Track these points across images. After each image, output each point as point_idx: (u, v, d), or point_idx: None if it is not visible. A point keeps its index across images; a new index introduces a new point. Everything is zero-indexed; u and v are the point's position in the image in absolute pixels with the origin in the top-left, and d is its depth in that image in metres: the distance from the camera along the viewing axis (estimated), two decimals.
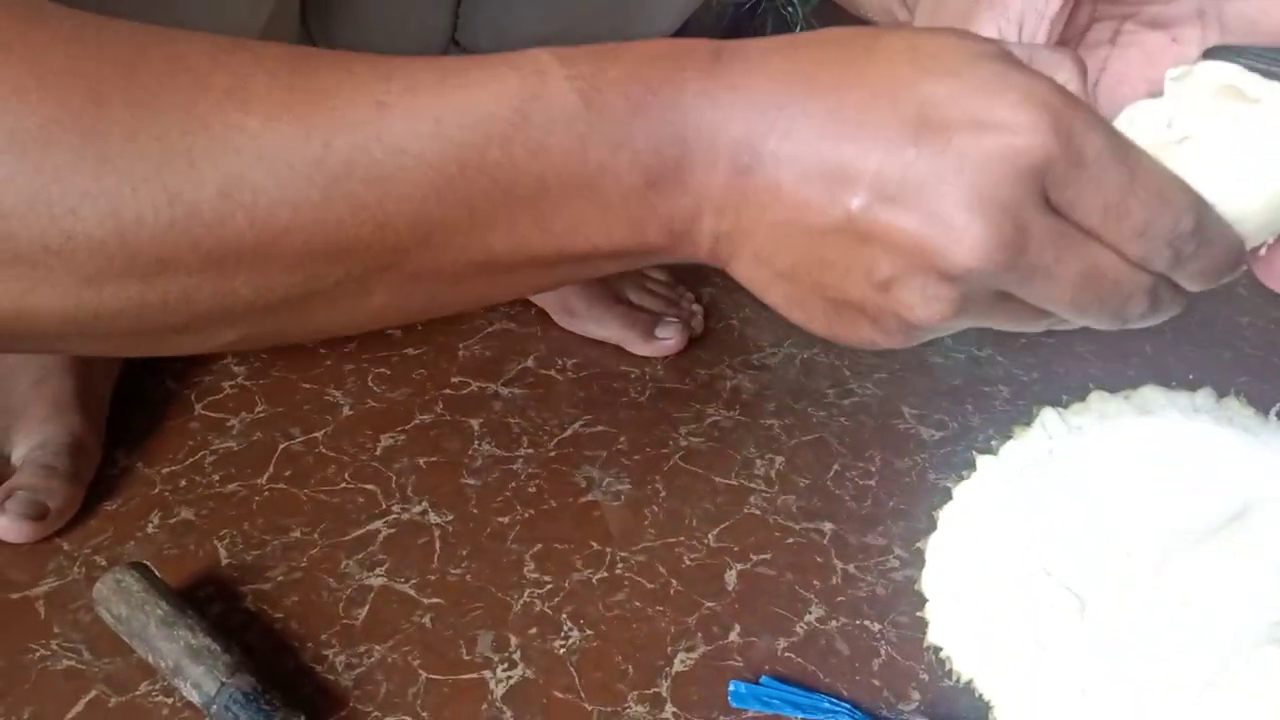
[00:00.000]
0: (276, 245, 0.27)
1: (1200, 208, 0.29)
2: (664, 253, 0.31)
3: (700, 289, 0.75)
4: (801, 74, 0.28)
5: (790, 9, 1.24)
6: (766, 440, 0.61)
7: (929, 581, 0.41)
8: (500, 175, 0.28)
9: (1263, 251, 0.33)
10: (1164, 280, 0.29)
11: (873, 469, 0.60)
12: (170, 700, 0.42)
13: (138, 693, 0.42)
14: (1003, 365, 0.71)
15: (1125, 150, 0.28)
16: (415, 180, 0.28)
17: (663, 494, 0.56)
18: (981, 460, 0.42)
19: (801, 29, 1.22)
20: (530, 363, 0.66)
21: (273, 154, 0.26)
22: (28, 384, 0.53)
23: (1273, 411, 0.41)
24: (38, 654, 0.44)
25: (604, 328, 0.68)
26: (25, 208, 0.25)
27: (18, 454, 0.51)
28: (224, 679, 0.40)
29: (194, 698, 0.41)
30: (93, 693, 0.42)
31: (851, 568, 0.53)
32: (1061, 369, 0.71)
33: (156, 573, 0.45)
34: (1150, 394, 0.42)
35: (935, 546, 0.42)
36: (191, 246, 0.26)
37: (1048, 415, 0.42)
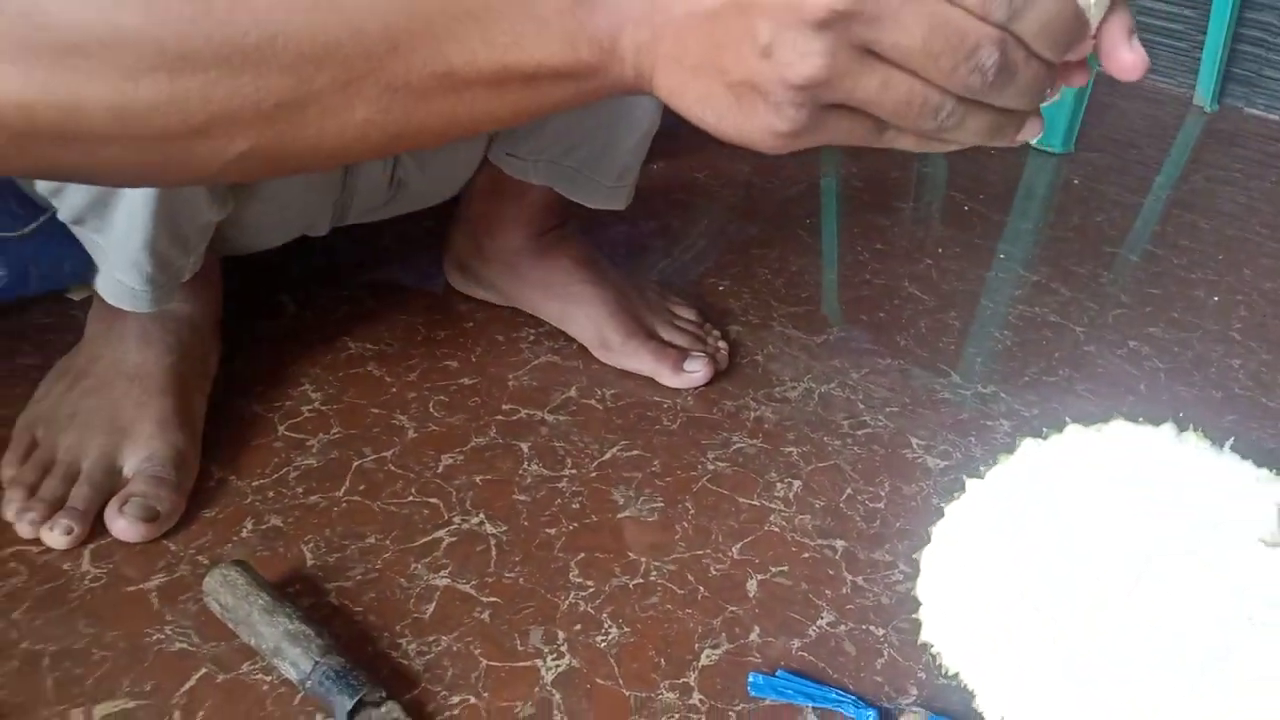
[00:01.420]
0: (272, 45, 0.33)
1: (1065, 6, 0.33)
2: (598, 73, 0.36)
3: (727, 327, 0.82)
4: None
5: None
6: (786, 466, 0.68)
7: (923, 588, 0.48)
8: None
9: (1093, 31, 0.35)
10: (1012, 38, 0.33)
11: (882, 493, 0.66)
12: (269, 678, 0.49)
13: (240, 671, 0.49)
14: (1005, 402, 0.77)
15: None
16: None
17: (691, 511, 0.63)
18: (971, 483, 0.48)
19: None
20: (573, 393, 0.73)
21: None
22: (133, 405, 0.61)
23: (1227, 444, 0.47)
24: (154, 638, 0.51)
25: (638, 361, 0.75)
26: (80, 5, 0.32)
27: (129, 467, 0.59)
28: (317, 659, 0.47)
29: (291, 675, 0.48)
30: (202, 671, 0.49)
31: (860, 580, 0.59)
32: (1060, 405, 0.77)
33: (255, 569, 0.52)
34: (1119, 427, 0.48)
35: (929, 558, 0.48)
36: (206, 41, 0.33)
37: (1028, 444, 0.48)
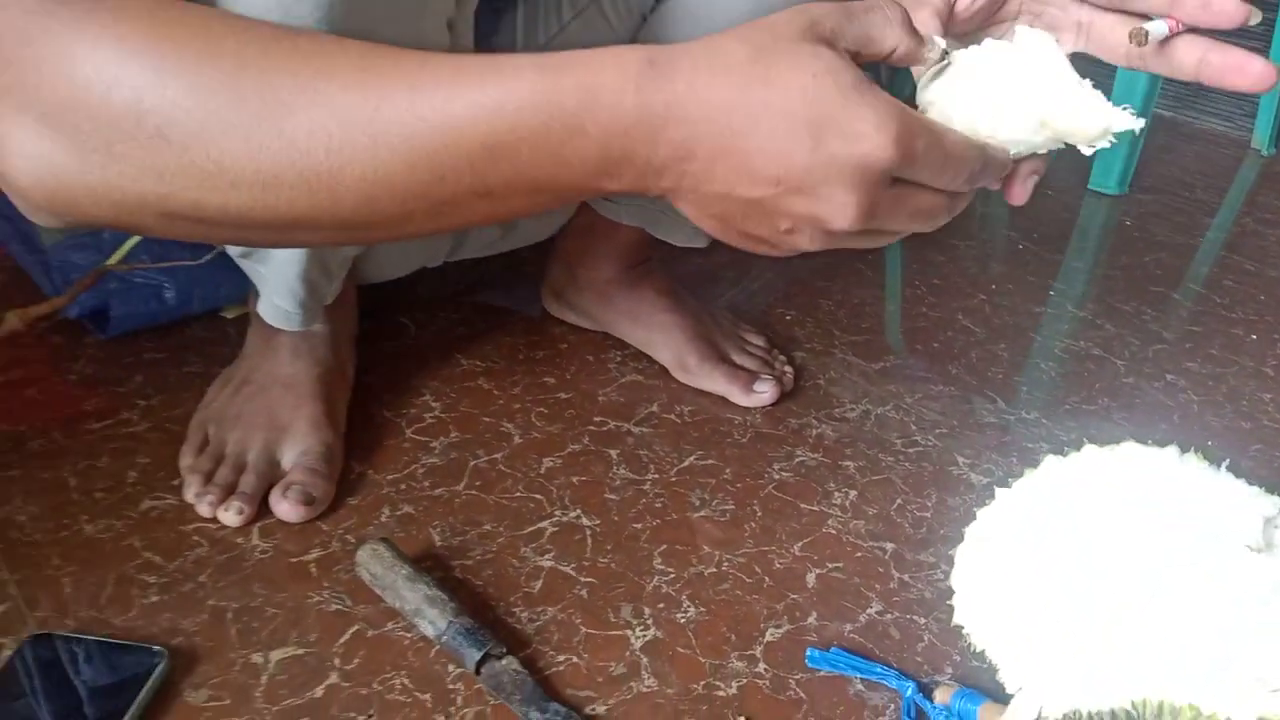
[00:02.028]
0: (343, 173, 0.42)
1: (984, 155, 0.44)
2: (624, 194, 0.44)
3: (792, 353, 0.91)
4: (723, 103, 0.40)
5: None
6: (843, 478, 0.77)
7: (956, 578, 0.56)
8: (494, 144, 0.41)
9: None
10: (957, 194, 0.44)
11: (929, 504, 0.75)
12: (410, 635, 0.60)
13: (386, 629, 0.60)
14: (1046, 427, 0.85)
15: (938, 138, 0.42)
16: (431, 140, 0.41)
17: (759, 514, 0.72)
18: (1000, 491, 0.57)
19: None
20: (654, 408, 0.83)
21: (343, 111, 0.41)
22: (288, 408, 0.72)
23: (1223, 465, 0.55)
24: (314, 600, 0.62)
25: (713, 382, 0.85)
26: (195, 134, 0.41)
27: (287, 460, 0.70)
28: (451, 619, 0.58)
29: (429, 632, 0.58)
30: (355, 627, 0.60)
31: (906, 577, 0.68)
32: (1096, 432, 0.84)
33: (397, 546, 0.63)
34: (1129, 448, 0.56)
35: (962, 553, 0.56)
36: (290, 166, 0.42)
37: (1050, 460, 0.56)
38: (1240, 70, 0.47)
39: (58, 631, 0.57)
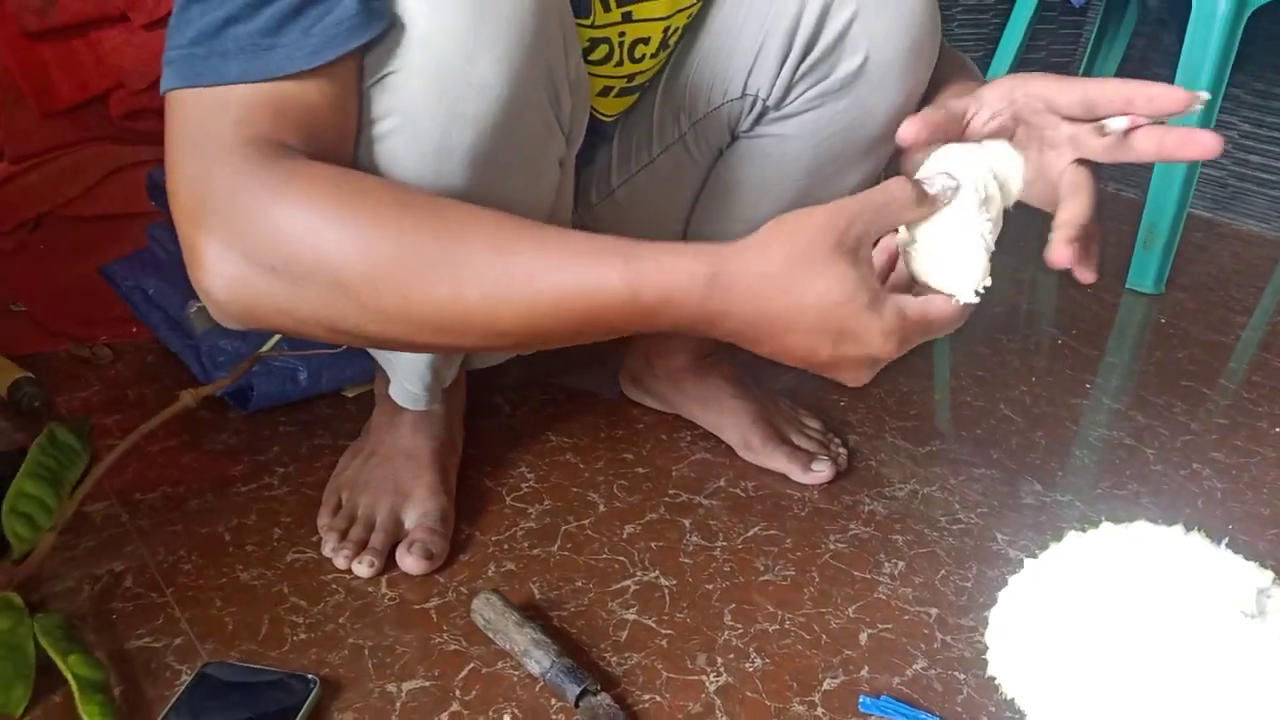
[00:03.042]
0: (470, 321, 0.55)
1: (960, 312, 0.58)
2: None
3: (846, 436, 1.01)
4: (766, 309, 0.55)
5: None
6: (892, 550, 0.86)
7: (990, 636, 0.65)
8: (591, 316, 0.55)
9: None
10: None
11: (970, 575, 0.83)
12: (518, 673, 0.70)
13: (498, 667, 0.70)
14: (1079, 509, 0.93)
15: (927, 321, 0.57)
16: (543, 307, 0.55)
17: (816, 579, 0.82)
18: (1028, 561, 0.66)
19: None
20: (722, 482, 0.93)
21: (478, 277, 0.54)
22: (410, 477, 0.84)
23: (1223, 542, 0.63)
24: (436, 640, 0.72)
25: (774, 461, 0.95)
26: (363, 284, 0.54)
27: (409, 521, 0.81)
28: (554, 659, 0.68)
29: (535, 670, 0.68)
30: (472, 665, 0.70)
31: (948, 638, 0.76)
32: (1125, 513, 0.92)
33: (506, 597, 0.73)
34: (1141, 526, 0.65)
35: (995, 614, 0.65)
36: (433, 313, 0.55)
37: (1071, 535, 0.65)
38: (1191, 142, 0.60)
39: (226, 661, 0.68)
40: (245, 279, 0.56)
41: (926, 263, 0.59)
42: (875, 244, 0.58)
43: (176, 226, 0.58)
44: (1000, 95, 0.66)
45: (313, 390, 0.99)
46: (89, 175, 1.21)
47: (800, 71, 0.77)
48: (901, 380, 1.14)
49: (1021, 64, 1.78)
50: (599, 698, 0.67)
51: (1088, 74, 1.88)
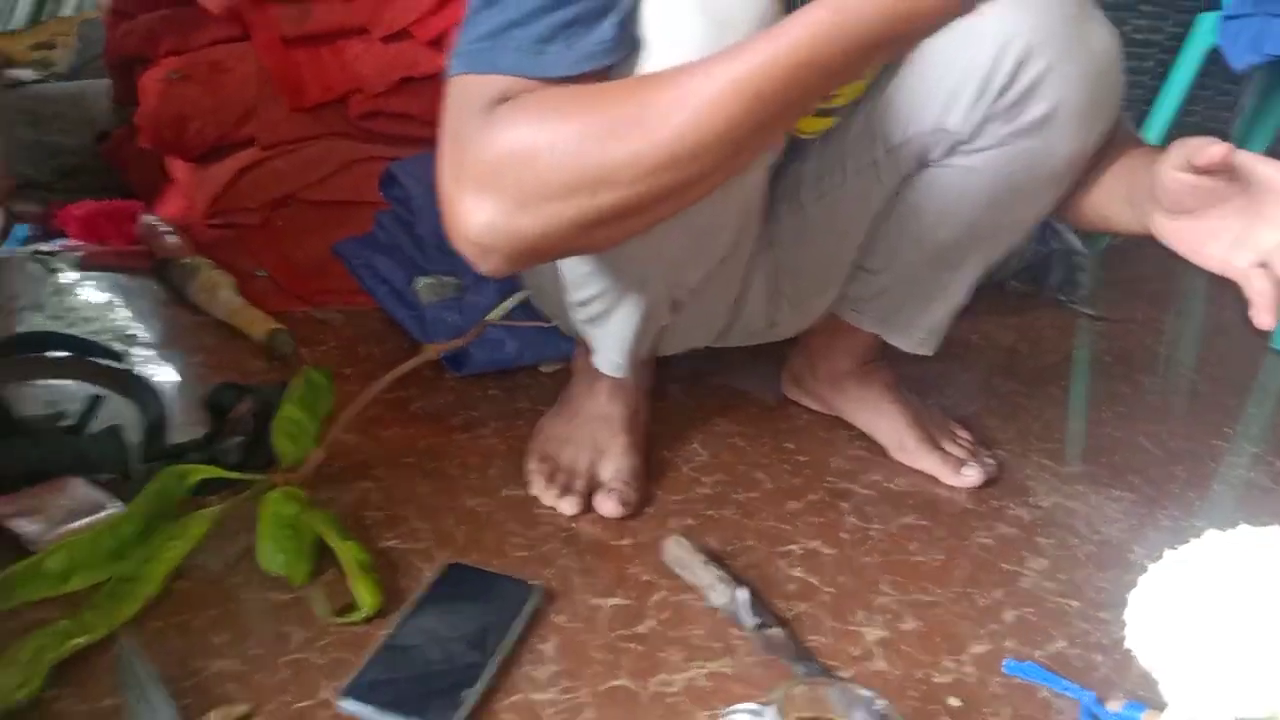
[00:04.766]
0: (716, 128, 0.63)
1: None
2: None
3: (994, 450, 1.09)
4: None
5: (1077, 256, 1.58)
6: (1035, 548, 0.94)
7: (1129, 611, 0.73)
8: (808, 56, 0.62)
9: None
10: None
11: (1108, 577, 0.90)
12: (702, 605, 0.80)
13: (684, 598, 0.81)
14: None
15: None
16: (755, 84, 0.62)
17: (965, 565, 0.90)
18: (1167, 553, 0.74)
19: (1087, 278, 1.55)
20: (877, 476, 1.03)
21: (677, 93, 0.63)
22: (607, 436, 0.96)
23: None
24: (631, 570, 0.84)
25: (927, 463, 1.04)
26: (579, 161, 0.63)
27: (605, 474, 0.93)
28: (735, 592, 0.78)
29: (718, 603, 0.79)
30: (662, 593, 0.81)
31: (1087, 626, 0.84)
32: None
33: (690, 544, 0.84)
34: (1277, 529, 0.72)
35: (1133, 598, 0.73)
36: (653, 149, 0.63)
37: (1210, 532, 0.73)
38: None
39: (465, 563, 0.81)
40: (497, 212, 0.66)
41: None
42: None
43: (439, 190, 0.71)
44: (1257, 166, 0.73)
45: (517, 361, 1.13)
46: (327, 165, 1.39)
47: (992, 112, 0.86)
48: (1046, 409, 1.21)
49: (1178, 126, 1.83)
50: (774, 630, 0.77)
51: (1241, 140, 1.91)
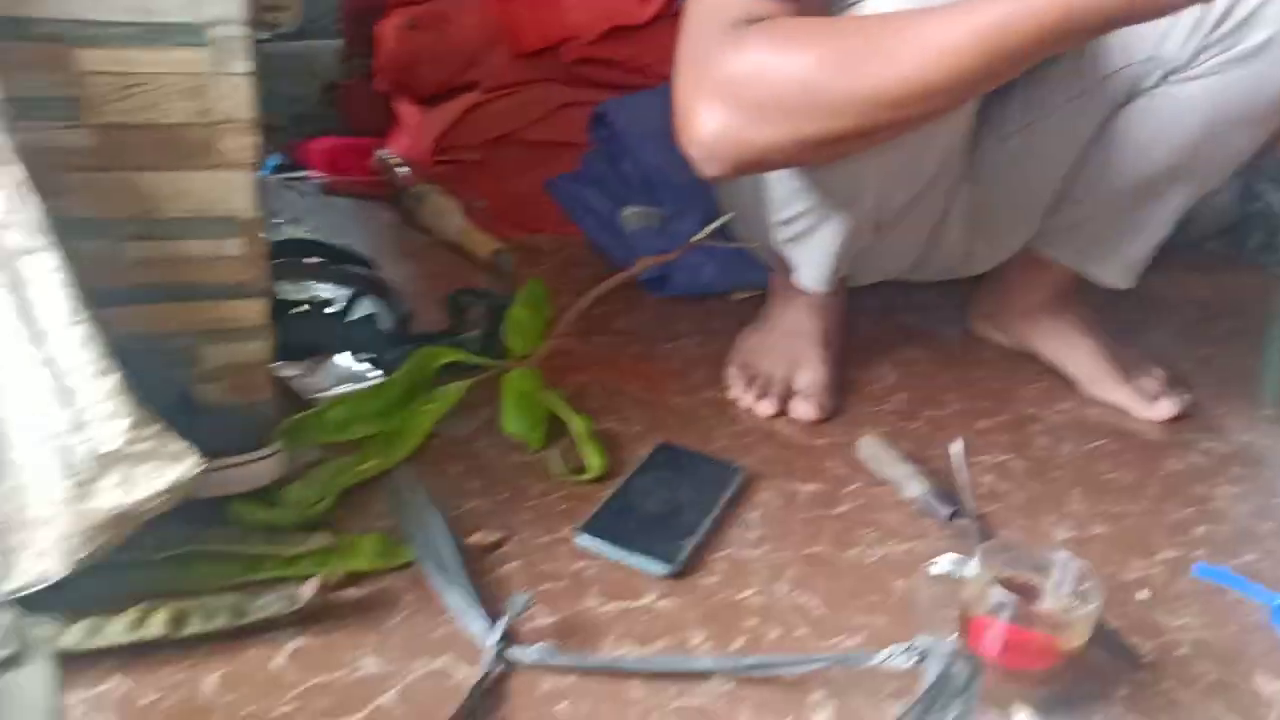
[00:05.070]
0: (928, 73, 0.69)
1: None
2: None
3: (1190, 392, 1.09)
4: None
5: (1278, 218, 1.52)
6: (1228, 478, 0.94)
7: None
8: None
9: None
10: None
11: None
12: (894, 498, 0.86)
13: (878, 490, 0.87)
14: None
15: None
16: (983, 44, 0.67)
17: (1156, 486, 0.92)
18: None
19: None
20: (1067, 405, 1.05)
21: (915, 35, 0.69)
22: (805, 347, 1.02)
23: None
24: (825, 465, 0.90)
25: (1119, 395, 1.05)
26: (814, 87, 0.71)
27: (801, 383, 1.00)
28: (930, 486, 0.83)
29: (913, 493, 0.84)
30: (856, 484, 0.88)
31: (1278, 545, 0.85)
32: None
33: (885, 442, 0.90)
34: None
35: None
36: (884, 83, 0.70)
37: None
38: None
39: (675, 444, 0.90)
40: (721, 119, 0.75)
41: None
42: None
43: (674, 99, 0.79)
44: None
45: (713, 286, 1.21)
46: (542, 107, 1.50)
47: (1209, 40, 0.87)
48: (1241, 360, 1.20)
49: None
50: (965, 520, 0.82)
51: None
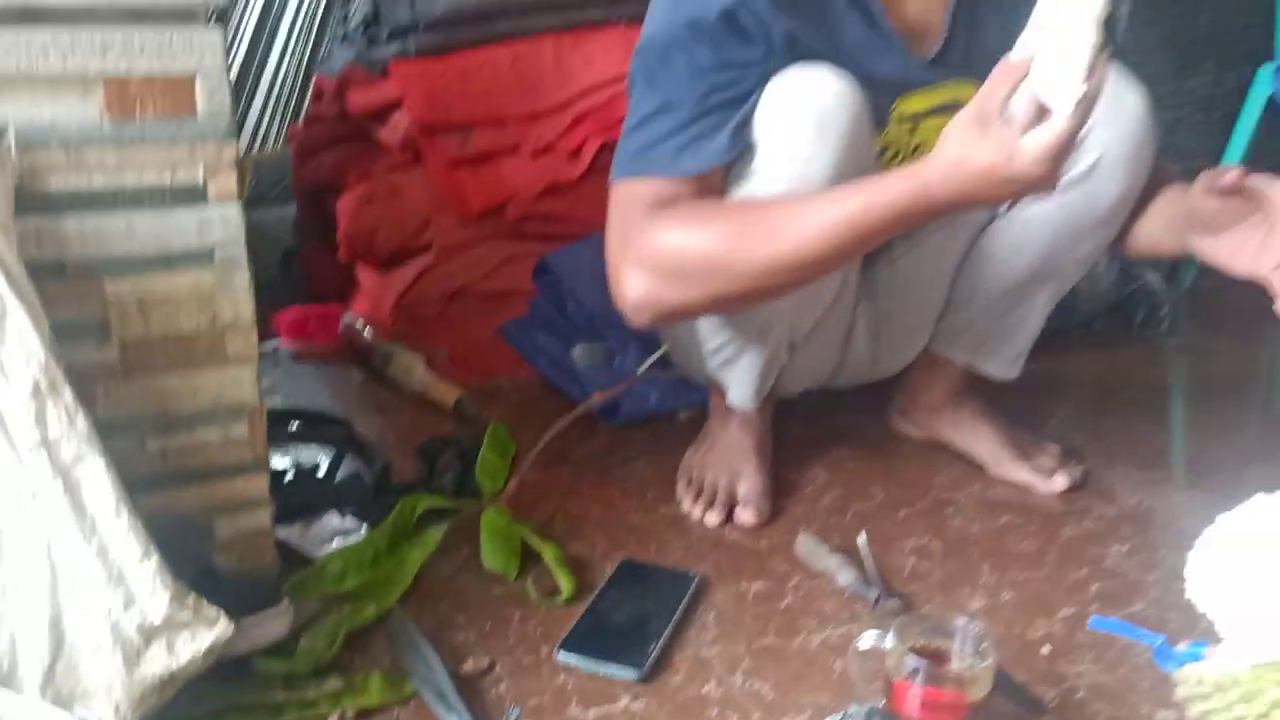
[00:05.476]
0: (808, 250, 0.87)
1: (1069, 126, 0.78)
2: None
3: (1084, 463, 1.24)
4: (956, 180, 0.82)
5: (1156, 295, 1.71)
6: (1118, 538, 1.08)
7: (1188, 569, 0.87)
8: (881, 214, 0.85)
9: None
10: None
11: (1181, 556, 1.04)
12: (829, 585, 0.98)
13: (815, 581, 0.99)
14: None
15: (1055, 141, 0.78)
16: (854, 220, 0.86)
17: (1055, 552, 1.06)
18: (1220, 516, 0.88)
19: (1168, 315, 1.69)
20: (976, 487, 1.19)
21: (798, 221, 0.87)
22: (740, 460, 1.15)
23: None
24: (768, 564, 1.02)
25: (1019, 474, 1.20)
26: (722, 262, 0.90)
27: (741, 490, 1.13)
28: (858, 574, 0.96)
29: (844, 582, 0.97)
30: (797, 578, 1.00)
31: (1160, 594, 0.98)
32: None
33: (818, 539, 1.02)
34: None
35: (1192, 555, 0.88)
36: (775, 257, 0.88)
37: (1260, 495, 0.87)
38: None
39: (636, 560, 1.02)
40: (645, 285, 0.92)
41: (1037, 85, 0.79)
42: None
43: (607, 263, 0.95)
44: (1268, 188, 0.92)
45: (659, 409, 1.35)
46: (490, 262, 1.66)
47: None
48: (1132, 427, 1.35)
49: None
50: (891, 602, 0.94)
51: None
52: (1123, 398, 1.47)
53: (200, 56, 0.77)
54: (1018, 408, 1.36)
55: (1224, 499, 1.15)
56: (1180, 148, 2.10)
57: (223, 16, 0.77)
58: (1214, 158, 2.01)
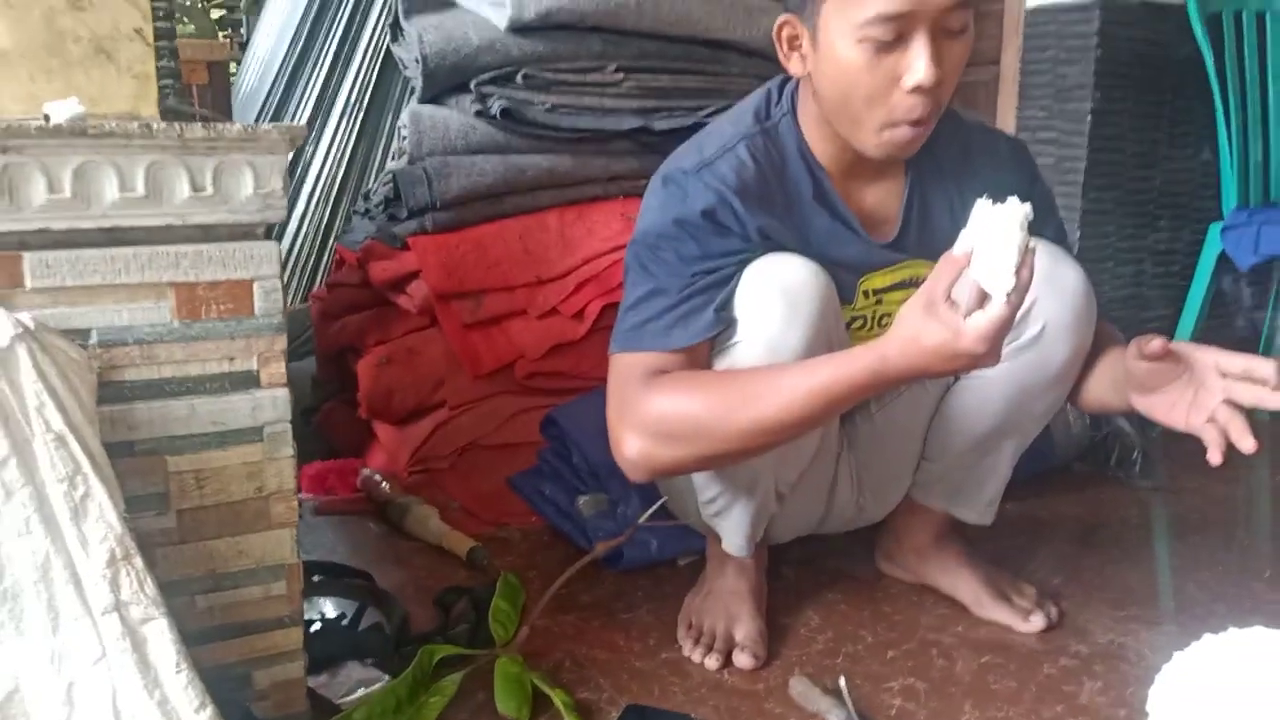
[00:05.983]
0: (777, 415, 0.99)
1: (1004, 313, 0.90)
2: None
3: (1060, 602, 1.32)
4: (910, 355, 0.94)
5: (1128, 438, 1.82)
6: (1093, 675, 1.16)
7: (1149, 704, 0.95)
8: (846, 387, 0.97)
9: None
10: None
11: (1149, 690, 1.11)
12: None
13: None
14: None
15: (993, 325, 0.89)
16: (822, 392, 0.98)
17: (1034, 689, 1.13)
18: (1176, 654, 0.96)
19: (1140, 457, 1.79)
20: (960, 628, 1.27)
21: (771, 396, 0.99)
22: (737, 605, 1.23)
23: None
24: (765, 705, 1.09)
25: (1000, 614, 1.27)
26: (707, 429, 1.01)
27: (738, 635, 1.20)
28: (849, 714, 1.03)
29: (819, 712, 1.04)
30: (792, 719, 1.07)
31: (1122, 712, 1.05)
32: None
33: (810, 681, 1.10)
34: (1259, 631, 0.94)
35: (1152, 691, 0.95)
36: (750, 424, 0.99)
37: (1208, 636, 0.95)
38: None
39: (641, 705, 1.09)
40: (646, 447, 1.04)
41: (976, 275, 0.91)
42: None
43: (608, 425, 1.06)
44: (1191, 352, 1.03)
45: (659, 556, 1.43)
46: (500, 416, 1.77)
47: None
48: (1106, 566, 1.44)
49: (1214, 318, 2.09)
50: None
51: (1270, 334, 2.16)
52: (1099, 537, 1.56)
53: (259, 265, 0.90)
54: (1001, 549, 1.45)
55: (1193, 635, 1.24)
56: (1142, 297, 2.26)
57: (279, 232, 0.91)
58: (1175, 306, 2.16)
